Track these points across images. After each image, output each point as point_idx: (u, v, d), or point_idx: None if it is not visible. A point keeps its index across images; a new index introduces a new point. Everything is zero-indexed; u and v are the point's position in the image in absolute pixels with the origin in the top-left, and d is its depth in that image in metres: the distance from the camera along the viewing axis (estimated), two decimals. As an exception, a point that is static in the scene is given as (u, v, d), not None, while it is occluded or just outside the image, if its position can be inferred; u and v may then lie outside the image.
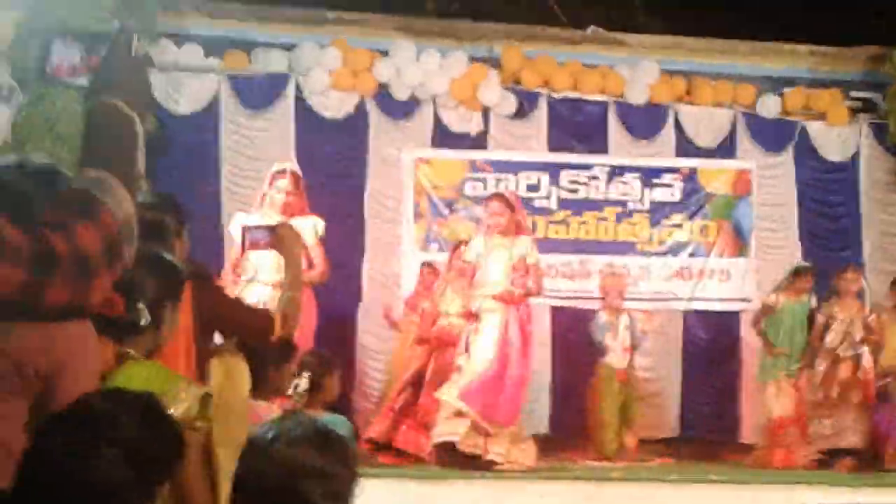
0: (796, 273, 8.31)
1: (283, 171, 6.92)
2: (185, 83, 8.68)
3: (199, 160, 8.69)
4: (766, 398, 7.96)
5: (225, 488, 3.20)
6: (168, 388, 2.60)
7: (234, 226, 6.72)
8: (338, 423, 4.58)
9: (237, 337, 3.52)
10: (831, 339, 7.78)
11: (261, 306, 4.69)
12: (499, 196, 6.83)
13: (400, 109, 9.18)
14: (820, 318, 7.92)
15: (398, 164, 9.21)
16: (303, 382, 4.80)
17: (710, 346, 9.56)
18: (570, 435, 8.66)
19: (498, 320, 6.30)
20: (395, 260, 9.14)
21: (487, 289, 6.31)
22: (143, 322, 2.53)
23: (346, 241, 8.55)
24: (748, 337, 9.30)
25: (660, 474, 6.09)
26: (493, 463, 6.21)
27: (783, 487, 5.78)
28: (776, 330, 8.03)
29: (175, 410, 2.56)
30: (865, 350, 7.71)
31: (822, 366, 7.75)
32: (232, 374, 3.41)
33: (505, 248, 6.36)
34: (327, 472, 1.86)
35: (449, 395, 6.20)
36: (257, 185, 7.39)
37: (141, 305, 2.52)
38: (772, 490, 5.74)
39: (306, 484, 1.84)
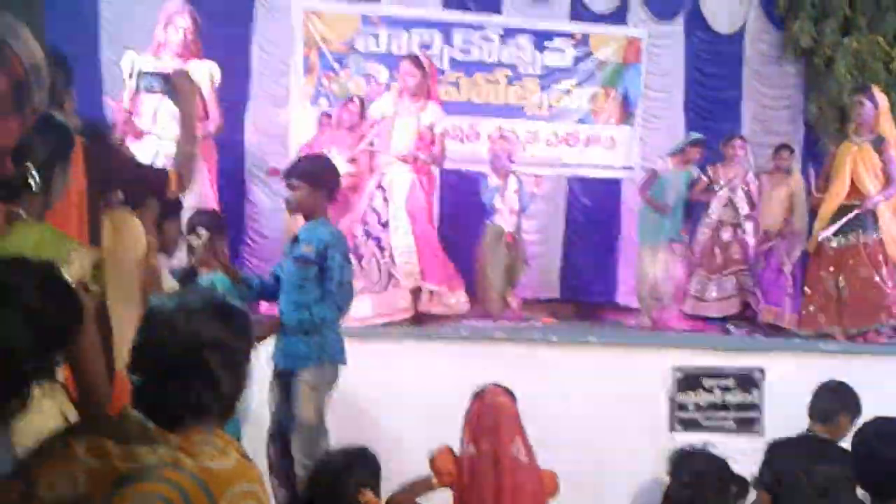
0: (692, 144, 8.47)
1: (181, 10, 6.54)
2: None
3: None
4: (647, 262, 8.21)
5: (119, 345, 3.18)
6: (59, 251, 2.53)
7: (126, 66, 6.39)
8: (227, 284, 4.55)
9: (132, 195, 3.41)
10: (714, 204, 8.00)
11: (156, 164, 4.55)
12: (413, 58, 6.60)
13: (289, -44, 8.83)
14: (703, 183, 8.10)
15: (287, 14, 8.91)
16: (198, 240, 4.73)
17: (592, 211, 9.79)
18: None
19: (407, 185, 6.20)
20: (283, 113, 8.95)
21: (393, 151, 6.17)
22: (32, 183, 2.43)
23: (231, 92, 8.29)
24: (629, 203, 9.57)
25: (543, 334, 6.26)
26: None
27: (659, 349, 6.03)
28: (661, 196, 8.22)
29: (67, 273, 2.50)
30: (746, 216, 7.97)
31: (704, 231, 7.99)
32: (121, 230, 3.32)
33: (412, 113, 6.20)
34: (226, 342, 1.90)
35: (411, 283, 6.16)
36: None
37: (30, 165, 2.42)
38: (647, 351, 5.99)
39: (206, 354, 1.87)
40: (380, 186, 6.24)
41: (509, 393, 3.96)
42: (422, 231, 6.13)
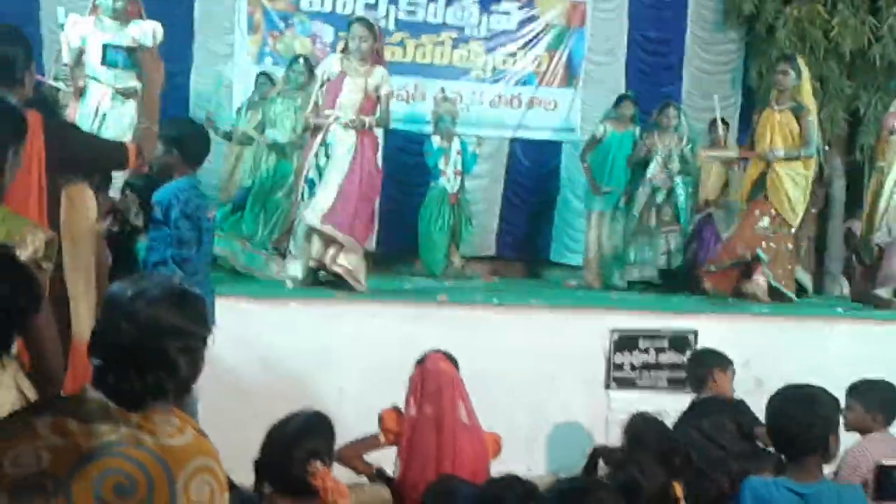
0: (619, 101, 8.61)
1: None
2: None
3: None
4: (592, 227, 8.38)
5: (77, 314, 3.25)
6: (13, 233, 2.59)
7: (73, 33, 6.30)
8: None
9: (92, 171, 3.45)
10: (651, 170, 8.17)
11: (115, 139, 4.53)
12: (362, 20, 6.56)
13: (234, -85, 8.75)
14: (642, 150, 8.26)
15: (231, -29, 8.86)
16: (134, 206, 4.76)
17: (532, 172, 9.94)
18: (399, 254, 8.97)
19: (349, 145, 6.21)
20: (227, 70, 8.91)
21: (339, 112, 6.17)
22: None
23: (173, 50, 8.21)
24: (569, 165, 9.75)
25: (485, 297, 6.40)
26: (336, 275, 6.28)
27: (598, 311, 6.21)
28: (602, 160, 8.36)
29: (22, 254, 2.56)
30: (681, 181, 8.15)
31: (642, 196, 8.16)
32: (76, 202, 3.37)
33: (360, 76, 6.19)
34: (184, 329, 1.97)
35: (312, 219, 6.15)
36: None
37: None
38: (587, 313, 6.16)
39: (165, 341, 1.94)
40: (323, 144, 6.27)
41: (451, 359, 4.10)
42: (349, 190, 6.14)
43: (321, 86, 6.37)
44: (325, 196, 6.12)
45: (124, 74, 6.19)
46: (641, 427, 4.10)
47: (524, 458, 5.41)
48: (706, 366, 4.85)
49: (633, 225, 8.15)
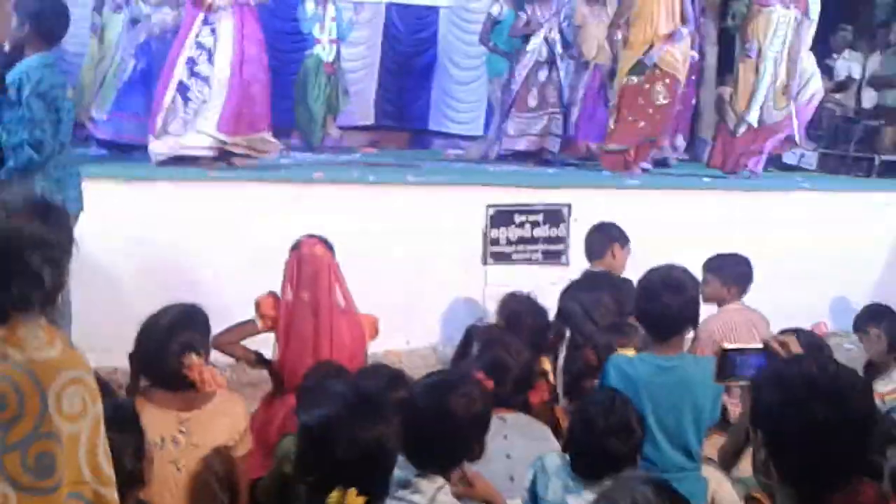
0: None
1: None
2: None
3: None
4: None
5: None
6: None
7: None
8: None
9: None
10: (531, 42, 8.07)
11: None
12: None
13: None
14: (520, 22, 8.12)
15: None
16: None
17: (409, 39, 9.78)
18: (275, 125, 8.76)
19: (231, 24, 5.97)
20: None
21: None
22: None
23: None
24: (446, 33, 9.65)
25: (361, 174, 6.36)
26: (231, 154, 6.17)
27: (475, 186, 6.26)
28: (502, 40, 8.26)
29: None
30: (561, 54, 8.15)
31: (520, 71, 8.06)
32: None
33: None
34: (47, 240, 1.94)
35: (208, 128, 5.95)
36: None
37: None
38: (464, 189, 6.21)
39: (28, 253, 1.91)
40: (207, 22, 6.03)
41: (326, 243, 4.10)
42: (241, 77, 5.99)
43: None
44: (217, 95, 5.95)
45: None
46: (513, 306, 4.26)
47: (403, 333, 5.53)
48: (608, 239, 4.95)
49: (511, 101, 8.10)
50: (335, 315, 3.97)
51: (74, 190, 4.54)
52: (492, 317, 4.66)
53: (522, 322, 4.12)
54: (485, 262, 6.05)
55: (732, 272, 4.82)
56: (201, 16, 5.98)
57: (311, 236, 4.08)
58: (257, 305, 4.05)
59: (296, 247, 4.05)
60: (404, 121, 9.96)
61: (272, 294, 4.07)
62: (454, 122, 10.00)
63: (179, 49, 6.10)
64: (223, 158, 6.16)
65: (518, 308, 4.23)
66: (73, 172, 4.57)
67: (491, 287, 5.81)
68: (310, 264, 4.00)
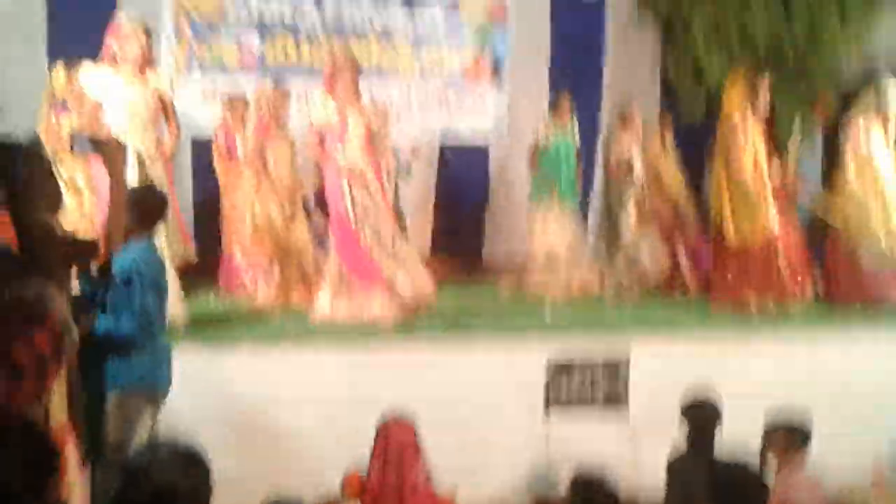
0: (555, 100, 8.86)
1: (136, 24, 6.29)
2: None
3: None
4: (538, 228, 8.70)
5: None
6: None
7: (86, 78, 6.09)
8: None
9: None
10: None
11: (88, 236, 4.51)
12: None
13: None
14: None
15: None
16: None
17: (462, 174, 10.09)
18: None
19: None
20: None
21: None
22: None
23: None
24: (495, 165, 9.99)
25: (428, 334, 6.55)
26: None
27: (534, 340, 6.46)
28: (553, 167, 8.64)
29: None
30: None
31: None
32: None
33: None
34: (197, 489, 2.17)
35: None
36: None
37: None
38: (525, 343, 6.40)
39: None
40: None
41: (410, 425, 4.31)
42: None
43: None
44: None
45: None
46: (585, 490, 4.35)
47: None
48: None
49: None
50: (418, 497, 4.17)
51: (167, 368, 4.80)
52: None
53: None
54: (547, 413, 6.18)
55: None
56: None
57: (397, 419, 4.30)
58: (343, 485, 4.27)
59: (383, 429, 4.26)
60: (459, 253, 10.17)
61: (356, 475, 4.28)
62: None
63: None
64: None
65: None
66: (165, 349, 4.83)
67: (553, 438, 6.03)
68: (396, 445, 4.22)
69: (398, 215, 8.63)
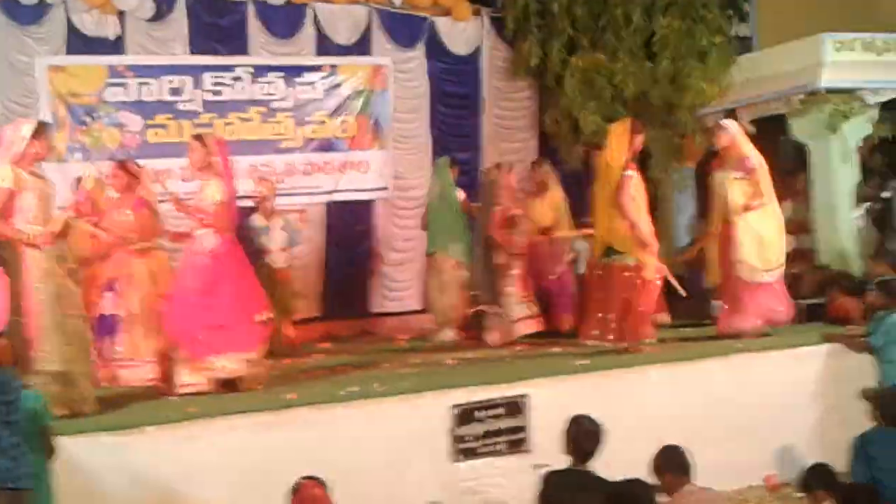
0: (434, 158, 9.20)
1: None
2: None
3: None
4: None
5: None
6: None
7: None
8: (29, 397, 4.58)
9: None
10: None
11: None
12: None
13: (28, 14, 8.72)
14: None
15: (30, 71, 8.76)
16: None
17: (349, 232, 10.28)
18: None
19: None
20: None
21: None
22: None
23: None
24: (380, 222, 10.24)
25: (330, 389, 6.60)
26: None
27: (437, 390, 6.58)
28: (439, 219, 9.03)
29: None
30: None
31: None
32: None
33: None
34: None
35: None
36: None
37: None
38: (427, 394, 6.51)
39: None
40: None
41: (321, 483, 4.40)
42: None
43: None
44: None
45: None
46: None
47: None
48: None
49: None
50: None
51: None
52: None
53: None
54: (455, 461, 6.28)
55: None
56: None
57: (308, 479, 4.38)
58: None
59: (296, 491, 4.33)
60: (351, 308, 10.30)
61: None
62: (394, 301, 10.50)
63: None
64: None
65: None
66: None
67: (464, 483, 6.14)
68: (309, 499, 4.30)
69: (290, 281, 8.75)
